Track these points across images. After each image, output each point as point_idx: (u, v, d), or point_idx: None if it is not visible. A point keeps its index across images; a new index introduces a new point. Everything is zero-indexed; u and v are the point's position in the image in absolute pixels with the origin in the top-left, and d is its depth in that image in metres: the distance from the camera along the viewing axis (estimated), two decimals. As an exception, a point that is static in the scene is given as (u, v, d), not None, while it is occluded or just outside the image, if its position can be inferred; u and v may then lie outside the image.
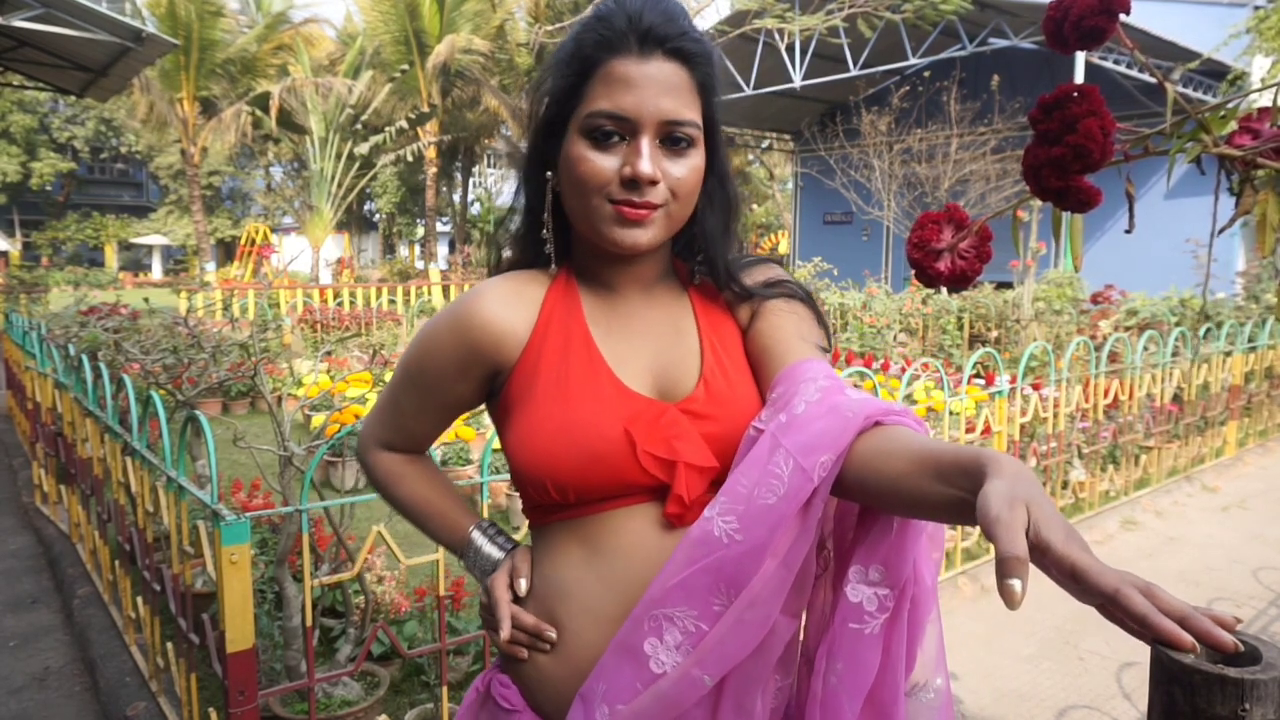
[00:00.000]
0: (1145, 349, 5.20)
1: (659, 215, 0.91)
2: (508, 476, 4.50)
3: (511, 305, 0.97)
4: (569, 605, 0.93)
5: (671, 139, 0.90)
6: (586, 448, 0.90)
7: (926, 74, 14.36)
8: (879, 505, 0.81)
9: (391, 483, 1.11)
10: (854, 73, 15.19)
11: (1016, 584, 0.56)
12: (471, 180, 29.30)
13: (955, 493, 0.70)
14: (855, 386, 0.95)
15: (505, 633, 0.95)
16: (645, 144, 0.88)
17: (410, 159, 21.89)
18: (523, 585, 0.97)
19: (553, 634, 0.92)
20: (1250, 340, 6.17)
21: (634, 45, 0.88)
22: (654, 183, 0.88)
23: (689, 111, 0.90)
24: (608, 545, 0.91)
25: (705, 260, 1.00)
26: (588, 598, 0.92)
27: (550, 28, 17.95)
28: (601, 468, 0.90)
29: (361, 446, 1.13)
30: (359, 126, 20.25)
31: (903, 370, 8.10)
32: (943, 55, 14.42)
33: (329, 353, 8.45)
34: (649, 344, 0.98)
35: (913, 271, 0.99)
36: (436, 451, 3.95)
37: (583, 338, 0.96)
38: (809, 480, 0.78)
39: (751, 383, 0.97)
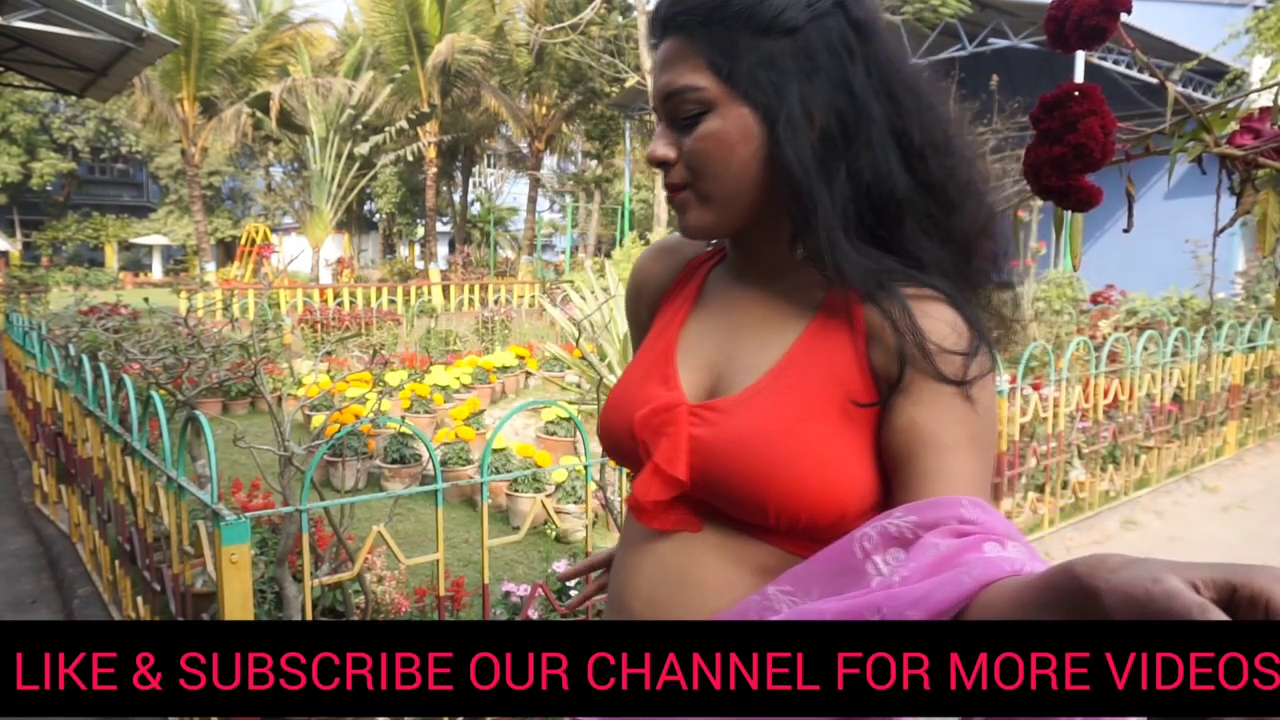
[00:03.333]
0: (1145, 349, 5.20)
1: (686, 196, 0.84)
2: (508, 476, 4.51)
3: (661, 258, 1.00)
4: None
5: (678, 117, 0.82)
6: (610, 422, 0.91)
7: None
8: None
9: None
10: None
11: None
12: (471, 180, 29.31)
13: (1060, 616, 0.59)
14: (1005, 535, 0.69)
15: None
16: (658, 128, 0.84)
17: (410, 159, 21.91)
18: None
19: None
20: (1250, 340, 6.17)
21: (652, 40, 0.86)
22: (662, 164, 0.84)
23: (684, 78, 0.80)
24: (627, 522, 0.91)
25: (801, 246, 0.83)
26: (614, 567, 0.94)
27: (550, 28, 17.96)
28: (616, 444, 0.91)
29: None
30: (359, 127, 20.26)
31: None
32: (942, 55, 14.43)
33: (329, 353, 8.45)
34: (730, 337, 0.88)
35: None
36: (438, 451, 3.94)
37: (682, 309, 0.94)
38: None
39: (812, 424, 0.78)
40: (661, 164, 0.83)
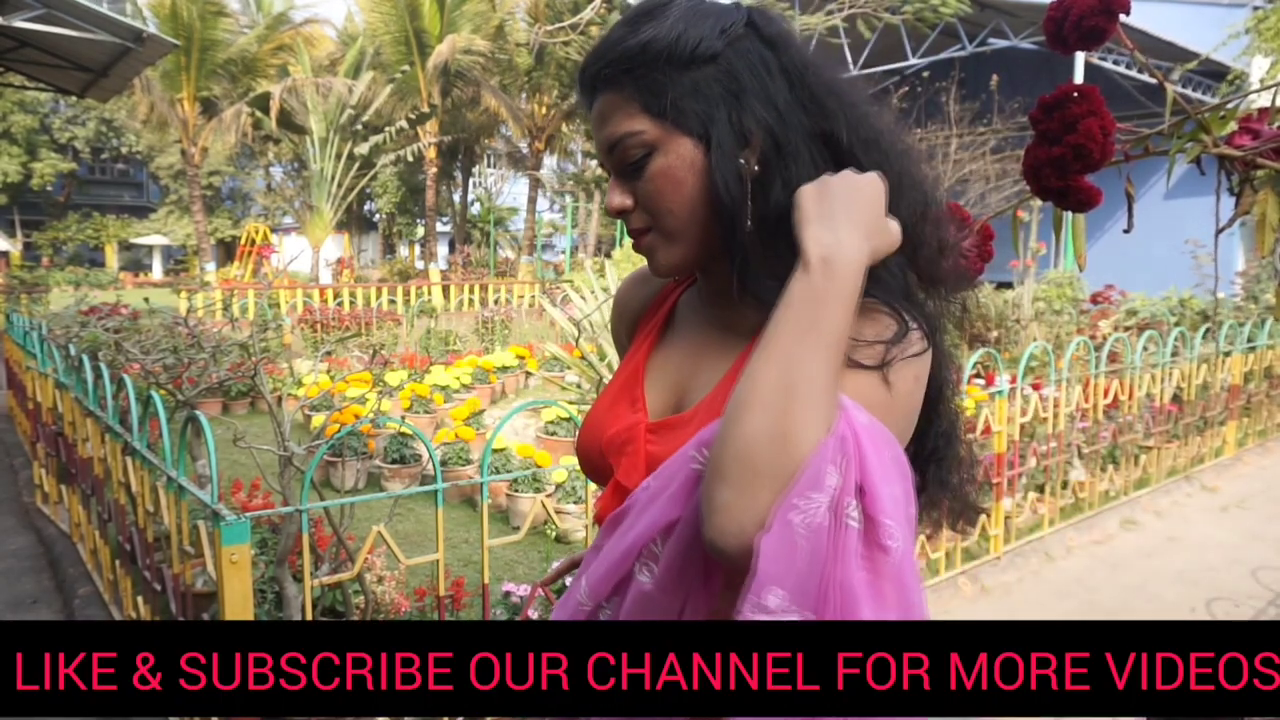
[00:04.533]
0: (1145, 349, 5.20)
1: (651, 239, 0.86)
2: (508, 476, 4.50)
3: (637, 286, 1.05)
4: None
5: (625, 165, 0.84)
6: (584, 443, 0.94)
7: (925, 74, 14.37)
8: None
9: None
10: (853, 73, 15.19)
11: None
12: (471, 180, 29.30)
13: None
14: None
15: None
16: (610, 180, 0.87)
17: (410, 159, 21.90)
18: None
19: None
20: (1250, 340, 6.17)
21: (584, 102, 0.88)
22: (621, 212, 0.86)
23: (623, 126, 0.82)
24: (598, 534, 0.95)
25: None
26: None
27: (550, 27, 17.95)
28: (590, 464, 0.94)
29: None
30: (359, 126, 20.26)
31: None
32: (943, 55, 14.44)
33: (329, 353, 8.45)
34: (692, 357, 0.92)
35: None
36: (438, 451, 3.94)
37: (652, 333, 0.97)
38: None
39: None
40: (620, 213, 0.86)
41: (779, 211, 0.80)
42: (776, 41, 0.83)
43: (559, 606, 0.88)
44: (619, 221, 0.90)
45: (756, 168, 0.80)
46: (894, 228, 0.77)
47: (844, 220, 0.73)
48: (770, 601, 0.66)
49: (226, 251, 32.41)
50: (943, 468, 0.90)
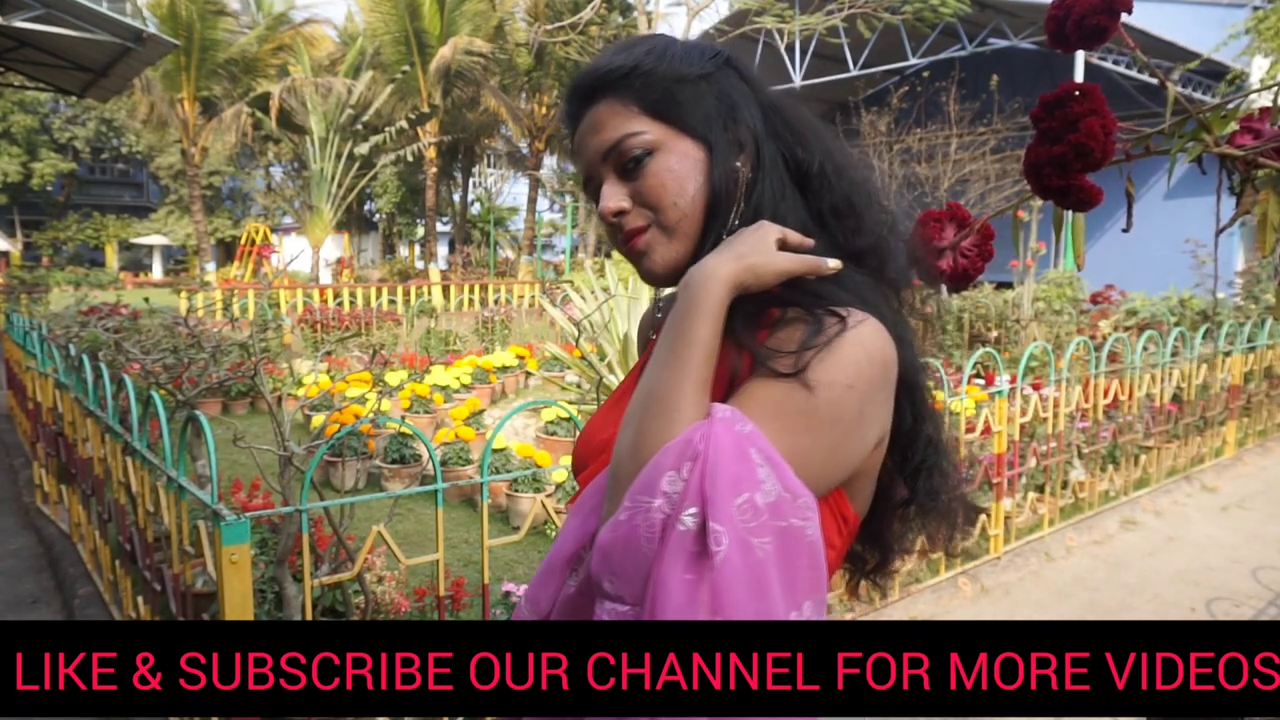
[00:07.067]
0: (1145, 349, 5.20)
1: (649, 236, 0.87)
2: (508, 476, 4.51)
3: (659, 310, 1.07)
4: None
5: (624, 165, 0.86)
6: (579, 451, 0.97)
7: (926, 74, 14.37)
8: None
9: None
10: (854, 73, 15.22)
11: None
12: (471, 180, 29.30)
13: None
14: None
15: None
16: (604, 186, 0.89)
17: (410, 159, 21.91)
18: None
19: None
20: (1250, 340, 6.17)
21: (571, 119, 0.92)
22: (619, 213, 0.87)
23: (623, 128, 0.86)
24: None
25: None
26: None
27: (549, 26, 17.96)
28: (579, 471, 0.97)
29: None
30: (359, 127, 20.26)
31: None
32: (943, 55, 14.44)
33: (329, 353, 8.45)
34: None
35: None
36: (438, 451, 3.95)
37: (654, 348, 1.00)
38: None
39: None
40: (618, 214, 0.87)
41: (751, 220, 0.85)
42: (753, 80, 0.90)
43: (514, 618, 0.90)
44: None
45: (750, 173, 0.86)
46: (783, 254, 0.80)
47: (715, 253, 0.80)
48: (607, 587, 0.73)
49: (226, 251, 32.40)
50: (932, 479, 0.88)
